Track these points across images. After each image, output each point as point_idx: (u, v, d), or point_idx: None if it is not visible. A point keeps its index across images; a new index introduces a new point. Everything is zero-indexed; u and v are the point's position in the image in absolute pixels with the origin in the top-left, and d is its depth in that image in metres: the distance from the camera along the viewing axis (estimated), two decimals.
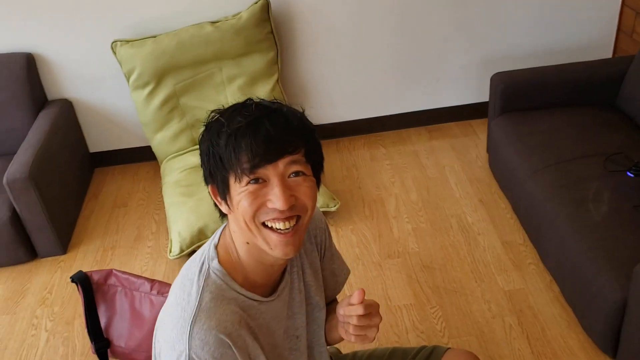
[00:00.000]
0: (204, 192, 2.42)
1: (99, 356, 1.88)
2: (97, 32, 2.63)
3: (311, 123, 1.08)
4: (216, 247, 1.10)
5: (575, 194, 2.00)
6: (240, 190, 1.00)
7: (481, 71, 2.87)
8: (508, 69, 2.58)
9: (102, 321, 1.86)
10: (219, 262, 1.07)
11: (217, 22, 2.58)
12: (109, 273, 1.85)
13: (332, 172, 2.78)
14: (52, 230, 2.38)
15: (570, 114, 2.43)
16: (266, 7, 2.57)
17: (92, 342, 1.81)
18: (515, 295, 2.03)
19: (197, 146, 2.67)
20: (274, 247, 1.03)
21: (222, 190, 1.03)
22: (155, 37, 2.58)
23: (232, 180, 1.01)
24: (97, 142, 2.91)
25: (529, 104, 2.51)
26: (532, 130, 2.36)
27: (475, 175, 2.63)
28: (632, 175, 1.98)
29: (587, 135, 2.26)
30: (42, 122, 2.58)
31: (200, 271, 1.06)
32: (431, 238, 2.32)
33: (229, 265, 1.08)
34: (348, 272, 1.38)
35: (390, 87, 2.91)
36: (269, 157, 0.99)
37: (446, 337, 1.91)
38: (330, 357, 1.40)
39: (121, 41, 2.59)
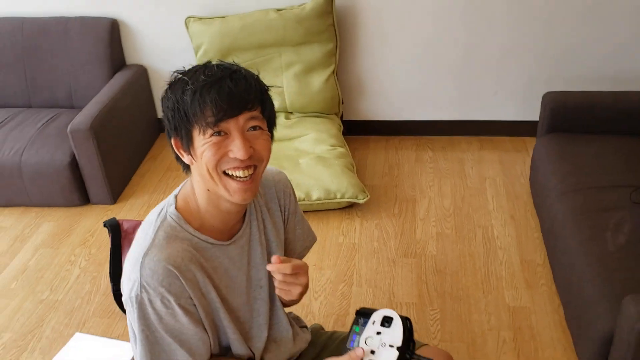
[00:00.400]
0: None
1: (115, 298, 2.06)
2: (175, 7, 2.83)
3: (265, 85, 1.17)
4: (176, 196, 1.21)
5: (596, 220, 1.94)
6: (204, 141, 1.10)
7: (542, 90, 2.81)
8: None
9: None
10: (176, 208, 1.19)
11: (283, 9, 2.71)
12: (138, 224, 2.02)
13: (373, 167, 2.83)
14: (105, 181, 2.61)
15: (617, 142, 2.33)
16: (330, 1, 2.66)
17: (111, 284, 1.99)
18: (518, 313, 2.01)
19: None
20: (233, 194, 1.14)
21: (185, 143, 1.14)
22: (224, 17, 2.75)
23: (196, 133, 1.11)
24: None
25: (578, 127, 2.44)
26: (574, 152, 2.30)
27: (514, 191, 2.60)
28: None
29: (627, 166, 2.18)
30: (115, 83, 2.82)
31: (158, 215, 1.19)
32: (452, 244, 2.32)
33: (186, 212, 1.19)
34: (314, 239, 1.47)
35: (448, 93, 2.92)
36: (232, 112, 1.09)
37: (437, 339, 1.93)
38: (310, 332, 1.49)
39: (194, 18, 2.78)
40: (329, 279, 2.20)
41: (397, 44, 2.82)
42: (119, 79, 2.86)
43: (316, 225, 2.46)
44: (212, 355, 1.27)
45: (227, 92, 1.08)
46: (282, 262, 1.17)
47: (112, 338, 2.02)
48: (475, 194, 2.60)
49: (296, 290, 1.19)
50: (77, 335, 2.03)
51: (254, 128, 1.12)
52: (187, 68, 1.15)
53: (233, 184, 1.13)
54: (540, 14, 2.67)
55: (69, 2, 2.88)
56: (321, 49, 2.74)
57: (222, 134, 1.11)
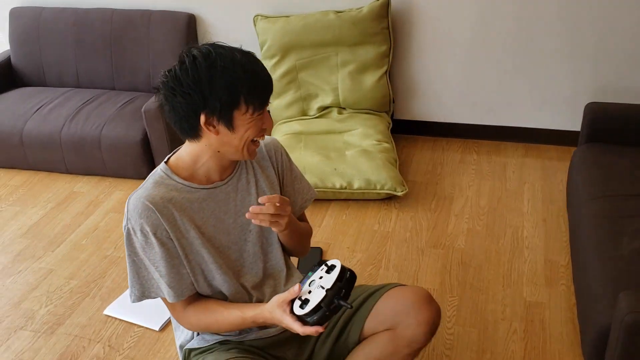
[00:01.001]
0: (298, 154, 2.77)
1: None
2: (245, 5, 3.10)
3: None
4: (169, 158, 1.47)
5: (616, 226, 2.01)
6: (248, 120, 1.35)
7: (589, 100, 2.87)
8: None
9: None
10: (166, 164, 1.45)
11: (341, 12, 2.91)
12: None
13: (418, 165, 2.98)
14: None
15: None
16: (386, 5, 2.84)
17: None
18: (533, 307, 2.11)
19: (304, 116, 3.06)
20: (251, 154, 1.43)
21: (225, 119, 1.35)
22: (288, 16, 2.98)
23: (240, 112, 1.34)
24: None
25: (616, 138, 2.48)
26: (608, 161, 2.36)
27: (551, 197, 2.68)
28: None
29: None
30: None
31: (152, 173, 1.46)
32: (481, 240, 2.44)
33: (175, 166, 1.45)
34: (314, 194, 1.69)
35: (496, 99, 3.02)
36: (268, 100, 1.38)
37: (451, 322, 2.06)
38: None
39: (261, 16, 3.03)
40: (360, 260, 2.37)
41: (449, 49, 2.96)
42: None
43: (355, 213, 2.64)
44: (200, 296, 1.51)
45: (265, 80, 1.36)
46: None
47: None
48: (512, 196, 2.70)
49: (283, 221, 1.41)
50: None
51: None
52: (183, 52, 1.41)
53: (252, 148, 1.43)
54: (593, 23, 2.73)
55: None
56: (375, 50, 2.92)
57: (262, 113, 1.39)
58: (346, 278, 1.31)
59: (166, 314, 2.14)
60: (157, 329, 2.12)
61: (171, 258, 1.43)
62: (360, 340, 1.60)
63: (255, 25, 3.05)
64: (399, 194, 2.66)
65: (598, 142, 2.52)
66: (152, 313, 2.17)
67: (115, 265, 2.44)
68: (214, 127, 1.37)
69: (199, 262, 1.47)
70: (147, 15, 3.21)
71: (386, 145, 2.86)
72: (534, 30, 2.81)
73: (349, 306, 1.30)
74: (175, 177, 1.44)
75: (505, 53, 2.90)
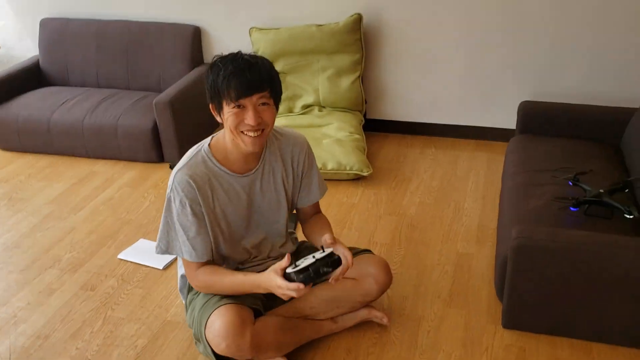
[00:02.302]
0: None
1: None
2: (243, 19, 3.67)
3: (276, 73, 1.81)
4: (212, 137, 1.93)
5: (528, 191, 2.52)
6: (229, 110, 1.77)
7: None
8: None
9: None
10: (209, 146, 1.90)
11: (322, 25, 3.48)
12: None
13: (384, 155, 3.51)
14: (176, 144, 3.43)
15: (573, 143, 2.90)
16: (359, 20, 3.41)
17: None
18: (463, 257, 2.62)
19: (290, 113, 3.60)
20: (246, 145, 1.81)
21: (217, 108, 1.81)
22: (278, 29, 3.55)
23: (225, 104, 1.78)
24: None
25: (544, 131, 3.02)
26: (533, 147, 2.89)
27: (492, 180, 3.20)
28: (574, 209, 2.36)
29: (565, 158, 2.73)
30: (193, 74, 3.68)
31: (197, 148, 1.92)
32: (429, 209, 2.96)
33: (215, 149, 1.89)
34: (325, 189, 2.15)
35: (453, 101, 3.57)
36: (247, 93, 1.72)
37: (397, 266, 2.57)
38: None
39: (256, 28, 3.61)
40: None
41: (412, 57, 3.52)
42: (196, 72, 3.72)
43: (329, 190, 3.14)
44: (211, 262, 1.96)
45: (246, 80, 1.70)
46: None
47: None
48: (459, 179, 3.23)
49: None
50: (141, 240, 2.83)
51: (264, 104, 1.78)
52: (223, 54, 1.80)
53: (246, 139, 1.80)
54: (531, 37, 3.30)
55: (165, 11, 3.79)
56: (350, 58, 3.48)
57: (241, 106, 1.74)
58: (334, 258, 1.77)
59: (169, 256, 2.66)
60: (161, 267, 2.62)
61: (199, 227, 1.87)
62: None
63: (250, 35, 3.62)
64: (365, 174, 3.18)
65: (528, 133, 3.06)
66: (157, 256, 2.68)
67: (127, 225, 2.95)
68: (216, 114, 1.82)
69: (215, 232, 1.93)
70: (159, 27, 3.79)
71: (357, 136, 3.39)
72: (481, 42, 3.38)
73: (330, 272, 1.74)
74: (214, 160, 1.86)
75: (459, 61, 3.46)
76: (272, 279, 1.77)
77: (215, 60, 1.79)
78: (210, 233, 1.92)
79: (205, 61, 3.90)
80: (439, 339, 2.18)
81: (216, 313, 1.92)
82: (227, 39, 3.78)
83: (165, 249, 1.94)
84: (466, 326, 2.24)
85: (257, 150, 1.84)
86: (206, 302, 1.99)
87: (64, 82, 4.01)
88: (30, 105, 3.66)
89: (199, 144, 1.95)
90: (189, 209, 1.84)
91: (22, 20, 4.11)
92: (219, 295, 1.98)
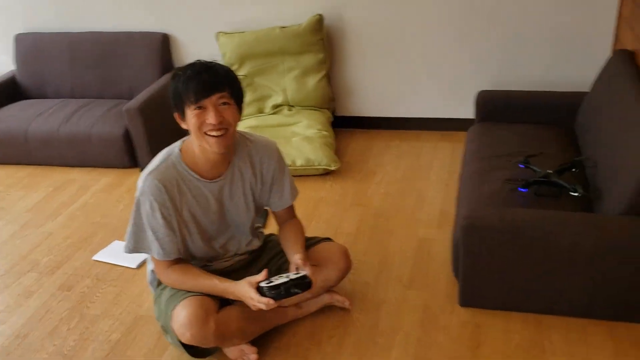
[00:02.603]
0: None
1: None
2: (209, 25, 3.78)
3: (235, 75, 1.91)
4: (182, 142, 2.01)
5: (483, 176, 2.63)
6: (190, 113, 1.86)
7: None
8: None
9: None
10: (180, 151, 1.99)
11: (285, 27, 3.59)
12: None
13: (352, 150, 3.63)
14: (148, 149, 3.53)
15: (529, 128, 3.01)
16: (320, 21, 3.52)
17: None
18: (424, 242, 2.73)
19: (260, 113, 3.70)
20: (211, 145, 1.88)
21: (181, 114, 1.90)
22: (243, 32, 3.66)
23: (186, 107, 1.86)
24: None
25: (501, 118, 3.14)
26: (491, 134, 3.01)
27: (454, 169, 3.31)
28: (523, 190, 2.49)
29: (521, 142, 2.85)
30: (163, 80, 3.77)
31: (167, 152, 2.00)
32: (392, 200, 3.07)
33: (185, 155, 1.97)
34: (296, 194, 2.24)
35: (416, 95, 3.69)
36: (206, 93, 1.80)
37: (360, 254, 2.67)
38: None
39: (222, 33, 3.71)
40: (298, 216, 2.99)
41: (376, 54, 3.63)
42: (166, 78, 3.81)
43: (298, 185, 3.23)
44: (181, 260, 2.06)
45: (203, 81, 1.79)
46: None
47: None
48: (423, 169, 3.35)
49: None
50: (116, 241, 2.93)
51: (224, 103, 1.86)
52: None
53: (210, 140, 1.87)
54: (484, 32, 3.42)
55: (134, 20, 3.89)
56: (314, 57, 3.60)
57: (202, 108, 1.82)
58: (306, 282, 1.91)
59: (142, 256, 2.75)
60: (134, 266, 2.72)
61: (168, 228, 1.95)
62: None
63: (217, 40, 3.73)
64: (333, 168, 3.29)
65: (487, 121, 3.18)
66: (131, 256, 2.77)
67: (102, 228, 3.05)
68: (180, 121, 1.91)
69: (185, 232, 2.02)
70: (129, 36, 3.89)
71: (325, 133, 3.50)
72: (440, 36, 3.50)
73: (300, 292, 1.88)
74: (184, 165, 1.94)
75: (419, 56, 3.58)
76: (246, 290, 1.90)
77: (175, 71, 1.90)
78: (178, 235, 2.01)
79: (175, 67, 3.99)
80: (399, 321, 2.29)
81: (181, 305, 2.02)
82: (195, 44, 3.89)
83: (133, 248, 2.03)
84: (425, 307, 2.35)
85: (222, 151, 1.91)
86: (173, 294, 2.09)
87: (40, 95, 4.10)
88: (7, 118, 3.75)
89: (170, 147, 2.03)
90: (158, 212, 1.93)
91: None
92: None
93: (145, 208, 1.94)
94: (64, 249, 2.91)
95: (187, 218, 2.01)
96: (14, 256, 2.88)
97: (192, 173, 1.97)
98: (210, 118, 1.82)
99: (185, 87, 1.81)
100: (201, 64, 1.86)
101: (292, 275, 1.93)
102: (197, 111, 1.83)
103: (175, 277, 2.04)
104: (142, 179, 1.94)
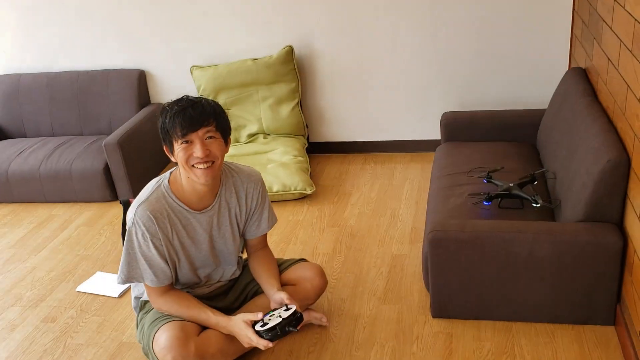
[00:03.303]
0: None
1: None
2: (183, 59, 3.91)
3: (221, 109, 1.99)
4: (171, 173, 2.10)
5: (448, 191, 2.76)
6: (178, 147, 1.95)
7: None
8: None
9: None
10: (168, 182, 2.07)
11: (257, 59, 3.73)
12: None
13: (328, 174, 3.74)
14: (128, 182, 3.62)
15: (492, 145, 3.15)
16: (290, 52, 3.67)
17: (122, 241, 2.95)
18: (397, 258, 2.83)
19: (236, 143, 3.80)
20: (199, 177, 1.96)
21: (170, 148, 2.00)
22: (216, 65, 3.80)
23: (174, 141, 1.96)
24: None
25: (466, 137, 3.28)
26: (456, 152, 3.14)
27: (424, 187, 3.44)
28: (487, 203, 2.60)
29: (485, 159, 2.98)
30: (140, 115, 3.89)
31: (157, 182, 2.08)
32: (367, 219, 3.18)
33: (173, 186, 2.06)
34: (274, 222, 2.32)
35: (386, 119, 3.83)
36: (192, 128, 1.89)
37: (336, 272, 2.77)
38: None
39: (196, 66, 3.85)
40: (275, 240, 3.08)
41: (346, 82, 3.78)
42: (144, 112, 3.93)
43: (276, 210, 3.30)
44: (172, 287, 2.14)
45: (189, 116, 1.88)
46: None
47: None
48: (395, 189, 3.47)
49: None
50: (98, 273, 2.99)
51: (210, 137, 1.95)
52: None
53: (198, 172, 1.95)
54: (446, 58, 3.59)
55: (111, 58, 4.01)
56: (287, 87, 3.73)
57: (189, 142, 1.91)
58: (297, 316, 2.01)
59: (124, 285, 2.82)
60: (116, 296, 2.79)
61: (160, 256, 2.03)
62: None
63: (191, 73, 3.86)
64: (308, 192, 3.40)
65: (452, 140, 3.32)
66: (113, 286, 2.84)
67: (84, 260, 3.12)
68: (169, 154, 2.01)
69: (174, 260, 2.10)
70: (105, 74, 4.00)
71: (300, 159, 3.62)
72: (405, 63, 3.66)
73: (296, 330, 2.00)
74: (173, 197, 2.02)
75: (387, 82, 3.73)
76: (243, 330, 2.01)
77: (163, 106, 1.99)
78: (169, 263, 2.09)
79: (152, 101, 4.12)
80: (374, 333, 2.38)
81: (162, 328, 2.09)
82: (170, 78, 4.01)
83: (126, 278, 2.09)
84: (399, 319, 2.44)
85: (209, 182, 1.98)
86: (155, 319, 2.16)
87: (20, 134, 4.18)
88: None
89: (158, 178, 2.10)
90: (150, 242, 2.01)
91: None
92: None
93: (138, 238, 2.02)
94: (47, 282, 2.96)
95: (177, 247, 2.09)
96: None
97: (181, 204, 2.05)
98: (197, 151, 1.90)
99: (173, 122, 1.89)
100: (188, 99, 1.94)
101: (283, 312, 2.02)
102: (184, 145, 1.91)
103: (169, 306, 2.12)
104: (133, 210, 2.01)
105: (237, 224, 2.21)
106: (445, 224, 2.33)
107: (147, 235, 2.01)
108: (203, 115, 1.90)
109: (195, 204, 2.08)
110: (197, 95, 2.01)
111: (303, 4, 3.63)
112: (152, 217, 2.00)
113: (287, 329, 1.98)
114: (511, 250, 2.23)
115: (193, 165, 1.94)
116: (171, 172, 2.10)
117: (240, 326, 2.01)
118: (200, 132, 1.90)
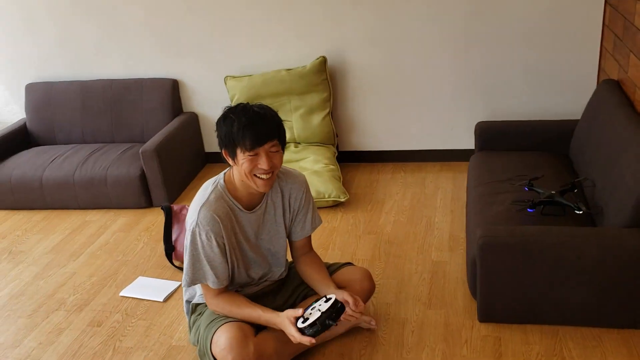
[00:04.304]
0: None
1: (167, 256, 3.07)
2: (217, 69, 3.97)
3: (282, 121, 2.07)
4: (224, 174, 2.16)
5: (489, 199, 2.81)
6: (243, 157, 2.01)
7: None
8: None
9: (174, 235, 3.04)
10: (224, 182, 2.14)
11: (291, 69, 3.79)
12: (183, 207, 3.05)
13: (358, 182, 3.79)
14: (164, 189, 3.66)
15: (526, 155, 3.21)
16: (324, 63, 3.73)
17: (164, 246, 3.00)
18: (438, 264, 2.87)
19: None
20: (259, 187, 2.06)
21: (232, 155, 2.05)
22: (251, 75, 3.86)
23: (239, 151, 2.01)
24: (210, 145, 4.23)
25: (500, 146, 3.34)
26: (490, 161, 3.20)
27: (458, 196, 3.49)
28: (531, 210, 2.65)
29: (521, 168, 3.03)
30: (174, 124, 3.94)
31: (213, 183, 2.15)
32: (403, 227, 3.23)
33: (229, 186, 2.13)
34: (319, 223, 2.38)
35: (418, 128, 3.89)
36: (261, 143, 1.97)
37: (378, 277, 2.80)
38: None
39: (230, 76, 3.91)
40: (314, 246, 3.11)
41: (377, 91, 3.84)
42: (177, 121, 3.98)
43: None
44: (227, 289, 2.19)
45: (258, 132, 1.95)
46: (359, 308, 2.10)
47: (161, 279, 3.00)
48: (428, 197, 3.52)
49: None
50: (140, 277, 3.03)
51: (274, 150, 2.03)
52: (233, 105, 2.06)
53: (259, 182, 2.04)
54: (479, 66, 3.65)
55: (145, 67, 4.07)
56: (319, 97, 3.79)
57: (254, 154, 1.99)
58: (337, 307, 2.02)
59: (168, 289, 2.86)
60: (161, 300, 2.82)
61: (222, 256, 2.09)
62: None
63: (226, 83, 3.91)
64: (342, 199, 3.45)
65: (486, 150, 3.37)
66: (157, 290, 2.88)
67: (124, 265, 3.15)
68: (228, 158, 2.07)
69: (233, 261, 2.16)
70: (139, 83, 4.06)
71: (332, 167, 3.67)
72: (436, 72, 3.72)
73: (335, 324, 2.02)
74: (229, 196, 2.10)
75: (418, 91, 3.79)
76: (287, 327, 2.03)
77: (226, 113, 2.03)
78: (229, 263, 2.14)
79: (184, 110, 4.17)
80: (423, 337, 2.41)
81: (221, 329, 2.13)
82: (203, 88, 4.07)
83: (191, 281, 2.14)
84: (446, 324, 2.48)
85: (267, 191, 2.10)
86: (211, 321, 2.20)
87: (51, 142, 4.23)
88: (21, 165, 3.86)
89: (214, 179, 2.17)
90: (214, 241, 2.06)
91: (8, 87, 4.35)
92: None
93: (202, 238, 2.07)
94: (89, 287, 2.99)
95: (234, 245, 2.15)
96: (39, 296, 2.96)
97: (237, 203, 2.13)
98: (263, 164, 1.99)
99: (242, 135, 1.96)
100: (255, 112, 1.99)
101: (323, 304, 2.04)
102: (250, 157, 1.99)
103: (223, 306, 2.16)
104: (196, 211, 2.07)
105: (284, 224, 2.27)
106: (496, 229, 2.37)
107: (211, 235, 2.06)
108: (271, 131, 1.99)
109: (246, 203, 2.16)
110: (259, 104, 2.06)
111: (337, 16, 3.70)
112: (215, 216, 2.06)
113: (327, 322, 1.98)
114: (560, 254, 2.27)
115: (255, 175, 2.02)
116: (225, 173, 2.17)
117: (285, 323, 2.04)
118: (267, 146, 1.99)
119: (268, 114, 2.02)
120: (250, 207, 2.18)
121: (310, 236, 2.39)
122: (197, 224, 2.06)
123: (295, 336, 2.01)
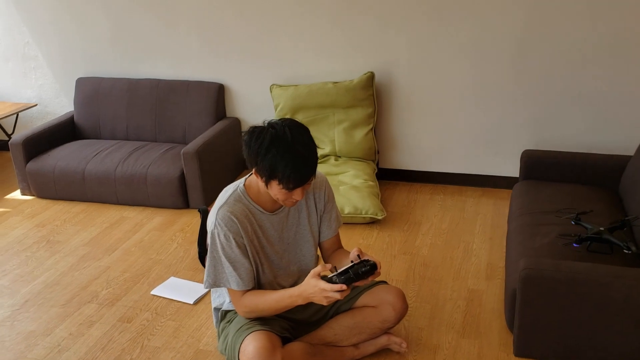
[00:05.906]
0: None
1: (200, 258, 3.06)
2: (263, 77, 3.98)
3: (316, 152, 2.02)
4: (246, 180, 2.16)
5: (533, 230, 2.73)
6: (279, 189, 1.98)
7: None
8: None
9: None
10: (244, 186, 2.14)
11: (337, 82, 3.78)
12: None
13: (396, 201, 3.74)
14: (202, 191, 3.68)
15: (573, 188, 3.12)
16: (371, 78, 3.71)
17: (198, 248, 3.00)
18: (474, 292, 2.80)
19: None
20: (286, 205, 2.09)
21: (266, 181, 1.99)
22: (297, 85, 3.85)
23: (275, 183, 1.98)
24: None
25: (545, 176, 3.26)
26: (535, 191, 3.12)
27: (498, 223, 3.41)
28: (577, 245, 2.56)
29: (567, 200, 2.95)
30: (216, 127, 3.96)
31: (233, 188, 2.15)
32: (439, 250, 3.17)
33: (249, 190, 2.12)
34: (341, 222, 2.36)
35: (459, 152, 3.83)
36: (302, 184, 1.97)
37: (412, 300, 2.75)
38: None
39: (276, 85, 3.91)
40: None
41: (420, 111, 3.80)
42: (220, 125, 4.00)
43: (345, 232, 3.37)
44: (253, 289, 2.17)
45: (303, 175, 1.94)
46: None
47: (192, 281, 3.00)
48: (467, 223, 3.45)
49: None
50: (172, 277, 3.03)
51: (309, 184, 2.03)
52: (267, 123, 1.96)
53: (288, 203, 2.05)
54: (528, 94, 3.59)
55: (192, 70, 4.11)
56: (364, 112, 3.77)
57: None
58: (370, 262, 1.95)
59: (198, 292, 2.85)
60: (191, 302, 2.81)
61: (243, 256, 2.08)
62: (351, 308, 2.33)
63: (271, 92, 3.92)
64: (379, 217, 3.40)
65: (531, 179, 3.29)
66: (188, 292, 2.87)
67: (157, 264, 3.16)
68: (260, 179, 2.02)
69: (257, 262, 2.15)
70: (185, 85, 4.10)
71: (371, 183, 3.63)
72: (484, 95, 3.66)
73: (366, 278, 1.92)
74: (249, 199, 2.10)
75: (463, 114, 3.74)
76: (315, 284, 1.94)
77: (267, 145, 1.92)
78: (252, 263, 2.13)
79: (228, 115, 4.19)
80: None
81: (249, 338, 2.11)
82: (248, 94, 4.08)
83: (213, 283, 2.13)
84: (479, 354, 2.41)
85: (291, 207, 2.13)
86: (239, 328, 2.18)
87: (96, 136, 4.30)
88: (65, 157, 3.93)
89: (234, 184, 2.17)
90: (233, 241, 2.06)
91: (59, 80, 4.44)
92: (252, 322, 2.17)
93: (220, 239, 2.06)
94: (122, 282, 3.01)
95: (257, 247, 2.14)
96: (73, 287, 2.98)
97: (257, 206, 2.12)
98: (297, 196, 2.02)
99: (286, 178, 1.93)
100: (299, 153, 1.93)
101: (355, 263, 1.95)
102: (286, 191, 1.99)
103: (249, 303, 2.12)
104: (214, 214, 2.08)
105: (310, 225, 2.25)
106: (540, 262, 2.30)
107: (230, 235, 2.05)
108: (312, 172, 1.98)
109: (269, 206, 2.15)
110: (301, 139, 1.97)
111: (388, 34, 3.68)
112: (232, 217, 2.05)
113: (360, 271, 1.88)
114: (607, 294, 2.19)
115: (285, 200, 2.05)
116: (246, 178, 2.17)
117: (311, 282, 1.95)
118: (305, 185, 2.02)
119: (312, 155, 1.98)
120: (273, 209, 2.17)
121: (338, 234, 2.36)
122: (215, 225, 2.06)
123: (325, 287, 1.90)
